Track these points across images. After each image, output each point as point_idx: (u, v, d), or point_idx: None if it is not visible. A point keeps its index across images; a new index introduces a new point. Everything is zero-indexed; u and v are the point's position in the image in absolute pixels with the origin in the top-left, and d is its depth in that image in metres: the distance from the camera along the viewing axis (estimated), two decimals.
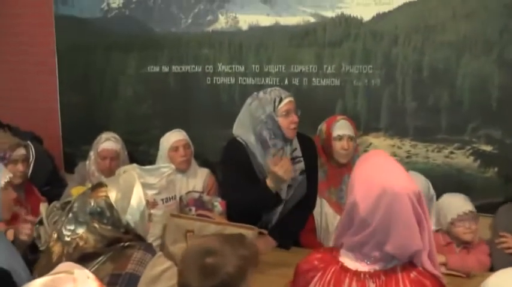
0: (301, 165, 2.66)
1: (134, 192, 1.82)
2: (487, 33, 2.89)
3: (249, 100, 2.65)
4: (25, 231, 2.35)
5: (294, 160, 2.63)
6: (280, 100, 2.55)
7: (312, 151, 2.78)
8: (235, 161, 2.59)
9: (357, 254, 1.53)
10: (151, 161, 3.34)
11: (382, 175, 1.48)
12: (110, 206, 1.78)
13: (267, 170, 2.56)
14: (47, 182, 3.56)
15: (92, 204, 1.79)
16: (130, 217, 1.79)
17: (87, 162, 3.38)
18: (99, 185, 1.88)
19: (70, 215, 1.83)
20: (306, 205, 2.74)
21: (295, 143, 2.66)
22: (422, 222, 1.43)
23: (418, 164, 3.07)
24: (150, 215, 1.88)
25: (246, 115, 2.63)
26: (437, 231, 2.68)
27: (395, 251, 1.45)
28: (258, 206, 2.59)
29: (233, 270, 1.46)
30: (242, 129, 2.63)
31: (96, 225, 1.78)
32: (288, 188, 2.63)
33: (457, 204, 2.67)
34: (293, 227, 2.71)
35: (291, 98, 2.58)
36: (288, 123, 2.55)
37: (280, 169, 2.47)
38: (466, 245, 2.64)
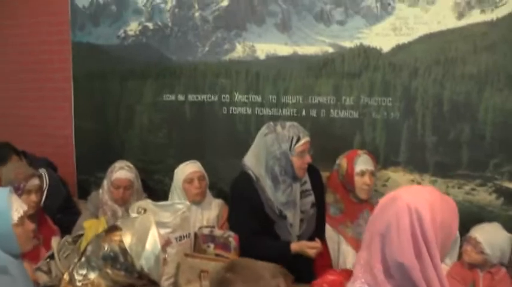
0: (311, 198, 2.69)
1: (149, 236, 1.80)
2: (509, 66, 2.85)
3: (264, 130, 2.65)
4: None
5: (304, 193, 2.65)
6: (298, 139, 2.56)
7: (319, 182, 2.81)
8: (242, 195, 2.60)
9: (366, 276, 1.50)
10: (166, 191, 3.35)
11: (404, 190, 1.49)
12: (124, 251, 1.76)
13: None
14: (60, 209, 3.58)
15: (106, 248, 1.77)
16: (145, 262, 1.77)
17: (101, 191, 3.37)
18: (114, 228, 1.86)
19: (83, 259, 1.82)
20: (318, 235, 2.72)
21: (305, 177, 2.67)
22: (419, 245, 1.37)
23: None
24: (165, 259, 1.86)
25: (261, 147, 2.63)
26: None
27: (391, 267, 1.41)
28: (272, 259, 2.54)
29: None
30: (254, 161, 2.63)
31: (109, 270, 1.76)
32: (300, 222, 2.64)
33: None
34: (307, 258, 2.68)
35: (308, 138, 2.59)
36: (301, 164, 2.57)
37: (312, 251, 2.50)
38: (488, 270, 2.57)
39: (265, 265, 1.61)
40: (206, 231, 2.70)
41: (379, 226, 1.43)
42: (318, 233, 2.72)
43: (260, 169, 2.60)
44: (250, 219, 2.56)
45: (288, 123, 2.62)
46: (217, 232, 2.71)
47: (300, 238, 2.66)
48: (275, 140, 2.57)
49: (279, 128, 2.60)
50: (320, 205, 2.76)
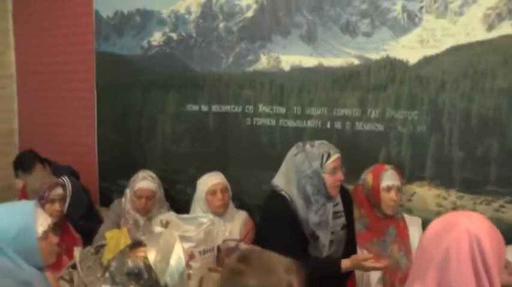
0: (342, 220, 2.63)
1: (174, 252, 1.82)
2: None
3: (293, 151, 2.59)
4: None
5: (335, 214, 2.59)
6: (328, 156, 2.50)
7: (350, 204, 2.75)
8: (282, 218, 2.51)
9: None
10: (188, 201, 3.37)
11: (458, 215, 1.45)
12: (149, 267, 1.78)
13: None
14: (82, 217, 3.63)
15: (130, 264, 1.80)
16: (169, 278, 1.79)
17: (123, 199, 3.40)
18: (138, 244, 1.88)
19: (107, 274, 1.84)
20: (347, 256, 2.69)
21: (338, 198, 2.62)
22: (480, 272, 1.34)
23: None
24: (189, 275, 1.87)
25: (291, 167, 2.56)
26: None
27: None
28: (320, 278, 2.42)
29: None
30: (285, 182, 2.56)
31: None
32: (330, 243, 2.59)
33: None
34: (339, 279, 2.64)
35: (338, 155, 2.54)
36: (334, 181, 2.51)
37: (370, 264, 2.42)
38: None
39: (279, 258, 1.56)
40: (232, 244, 2.71)
41: (434, 253, 1.39)
42: (348, 255, 2.65)
43: (292, 189, 2.54)
44: (294, 241, 2.48)
45: (317, 142, 2.57)
46: (243, 246, 2.72)
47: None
48: (305, 159, 2.51)
49: (308, 147, 2.55)
50: (350, 227, 2.70)
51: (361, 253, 2.75)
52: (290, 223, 2.50)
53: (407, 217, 2.94)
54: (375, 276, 2.77)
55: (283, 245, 2.49)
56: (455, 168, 3.01)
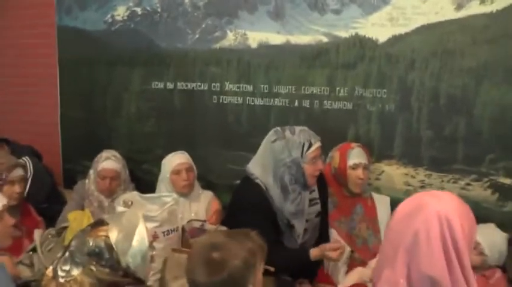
0: (317, 207, 2.61)
1: (137, 233, 1.77)
2: (508, 60, 2.83)
3: (272, 136, 2.51)
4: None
5: (311, 201, 2.57)
6: (310, 145, 2.44)
7: (326, 190, 2.74)
8: (255, 206, 2.45)
9: None
10: (154, 181, 3.32)
11: (428, 196, 1.41)
12: (110, 247, 1.72)
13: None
14: (45, 199, 3.55)
15: (91, 244, 1.73)
16: (131, 259, 1.73)
17: (87, 181, 3.35)
18: (100, 223, 1.81)
19: (67, 254, 1.78)
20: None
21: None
22: (450, 255, 1.31)
23: None
24: (152, 257, 1.83)
25: (268, 154, 2.49)
26: None
27: (417, 281, 1.34)
28: (290, 268, 2.47)
29: (240, 263, 1.52)
30: (261, 170, 2.50)
31: (93, 267, 1.71)
32: (304, 231, 2.57)
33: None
34: (310, 267, 2.61)
35: (319, 143, 2.48)
36: (313, 171, 2.47)
37: (335, 253, 2.37)
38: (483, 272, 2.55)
39: (237, 231, 1.68)
40: (197, 225, 2.67)
41: (403, 237, 1.35)
42: (321, 242, 2.64)
43: (268, 177, 2.48)
44: (267, 230, 2.39)
45: (297, 128, 2.50)
46: (209, 226, 2.67)
47: (302, 246, 2.58)
48: (285, 147, 2.44)
49: (288, 133, 2.47)
50: (324, 213, 2.69)
51: (331, 235, 2.78)
52: (264, 211, 2.45)
53: (375, 195, 2.97)
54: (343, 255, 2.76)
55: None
56: (424, 147, 3.03)
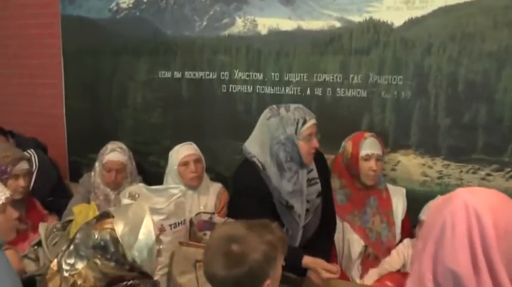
0: (318, 187, 2.59)
1: (143, 226, 1.75)
2: None
3: (267, 114, 2.52)
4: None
5: (310, 181, 2.55)
6: (304, 122, 2.43)
7: (326, 169, 2.72)
8: (250, 189, 2.47)
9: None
10: (161, 173, 3.31)
11: (465, 189, 1.33)
12: (115, 240, 1.71)
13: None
14: (50, 192, 3.57)
15: (96, 237, 1.72)
16: (137, 253, 1.72)
17: (92, 173, 3.36)
18: (106, 215, 1.80)
19: (71, 247, 1.77)
20: (327, 229, 2.67)
21: (312, 164, 2.57)
22: (476, 252, 1.20)
23: (450, 186, 2.97)
24: (159, 251, 1.80)
25: (264, 132, 2.50)
26: None
27: (441, 275, 1.26)
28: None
29: (260, 256, 1.52)
30: (259, 148, 2.50)
31: (98, 261, 1.71)
32: (306, 212, 2.55)
33: None
34: (320, 256, 2.55)
35: (314, 121, 2.47)
36: (308, 149, 2.45)
37: (327, 274, 2.33)
38: None
39: (256, 223, 1.66)
40: (205, 217, 2.65)
41: (432, 229, 1.28)
42: (326, 226, 2.65)
43: (265, 156, 2.48)
44: (260, 213, 2.42)
45: (292, 106, 2.50)
46: (217, 219, 2.66)
47: (305, 229, 2.57)
48: (279, 123, 2.44)
49: (282, 110, 2.48)
50: (327, 194, 2.66)
51: (342, 225, 2.77)
52: (259, 194, 2.46)
53: (390, 187, 2.92)
54: (357, 249, 2.76)
55: (248, 215, 2.46)
56: (442, 135, 2.99)
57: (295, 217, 2.51)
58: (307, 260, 2.37)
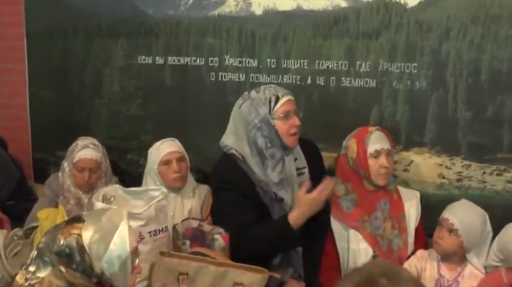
0: (304, 178, 2.63)
1: (117, 234, 1.74)
2: None
3: (238, 102, 2.64)
4: None
5: (296, 171, 2.62)
6: (277, 100, 2.51)
7: (317, 158, 2.79)
8: (229, 182, 2.54)
9: None
10: (141, 173, 3.34)
11: None
12: (82, 248, 1.70)
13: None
14: (11, 195, 3.59)
15: (61, 242, 1.71)
16: (106, 265, 1.70)
17: (60, 174, 3.38)
18: (77, 219, 1.79)
19: (35, 252, 1.75)
20: (318, 225, 2.69)
21: (297, 152, 2.62)
22: None
23: (471, 189, 2.98)
24: (134, 267, 1.78)
25: (237, 120, 2.61)
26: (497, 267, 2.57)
27: None
28: (274, 248, 2.52)
29: None
30: (235, 139, 2.61)
31: (63, 269, 1.70)
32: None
33: None
34: (313, 254, 2.68)
35: (289, 97, 2.55)
36: (288, 128, 2.51)
37: (319, 189, 2.41)
38: None
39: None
40: (194, 224, 2.66)
41: None
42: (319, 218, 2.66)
43: (243, 146, 2.57)
44: (241, 210, 2.51)
45: (263, 86, 2.63)
46: (207, 227, 2.67)
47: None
48: (250, 106, 2.55)
49: (253, 93, 2.61)
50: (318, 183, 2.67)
51: (347, 233, 2.77)
52: (240, 187, 2.53)
53: (402, 190, 2.91)
54: (364, 261, 2.71)
55: (227, 213, 2.56)
56: (461, 131, 3.00)
57: (287, 209, 2.55)
58: (292, 216, 2.45)
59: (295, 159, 2.64)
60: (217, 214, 2.72)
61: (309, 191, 2.52)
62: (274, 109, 2.51)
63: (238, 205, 2.51)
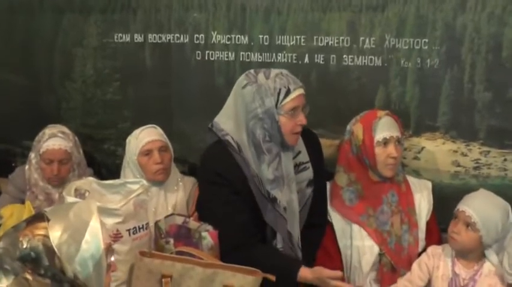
0: (307, 174, 2.64)
1: (88, 231, 1.73)
2: None
3: (242, 81, 2.58)
4: None
5: (297, 167, 2.60)
6: (287, 93, 2.45)
7: (318, 151, 2.78)
8: (221, 176, 2.51)
9: None
10: (119, 165, 3.34)
11: None
12: (50, 251, 1.68)
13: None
14: None
15: (24, 246, 1.69)
16: (80, 268, 1.69)
17: (27, 167, 3.38)
18: (39, 217, 1.77)
19: None
20: (317, 221, 2.74)
21: (300, 145, 2.60)
22: None
23: (490, 178, 2.99)
24: (109, 266, 1.75)
25: (239, 103, 2.55)
26: None
27: None
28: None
29: None
30: (233, 124, 2.56)
31: (29, 276, 1.67)
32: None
33: None
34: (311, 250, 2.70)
35: (301, 91, 2.50)
36: (292, 127, 2.49)
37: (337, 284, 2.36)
38: None
39: None
40: (179, 221, 2.66)
41: None
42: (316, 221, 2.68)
43: (241, 133, 2.52)
44: (237, 209, 2.49)
45: (274, 71, 2.53)
46: (193, 223, 2.65)
47: None
48: (256, 93, 2.48)
49: (261, 76, 2.51)
50: (319, 179, 2.70)
51: (350, 229, 2.79)
52: (233, 181, 2.51)
53: (412, 179, 2.92)
54: (369, 260, 2.75)
55: (226, 215, 2.50)
56: (479, 114, 2.99)
57: (280, 210, 2.53)
58: (304, 273, 2.40)
59: (299, 152, 2.62)
60: (208, 212, 2.66)
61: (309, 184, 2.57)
62: (282, 103, 2.45)
63: (232, 204, 2.48)
